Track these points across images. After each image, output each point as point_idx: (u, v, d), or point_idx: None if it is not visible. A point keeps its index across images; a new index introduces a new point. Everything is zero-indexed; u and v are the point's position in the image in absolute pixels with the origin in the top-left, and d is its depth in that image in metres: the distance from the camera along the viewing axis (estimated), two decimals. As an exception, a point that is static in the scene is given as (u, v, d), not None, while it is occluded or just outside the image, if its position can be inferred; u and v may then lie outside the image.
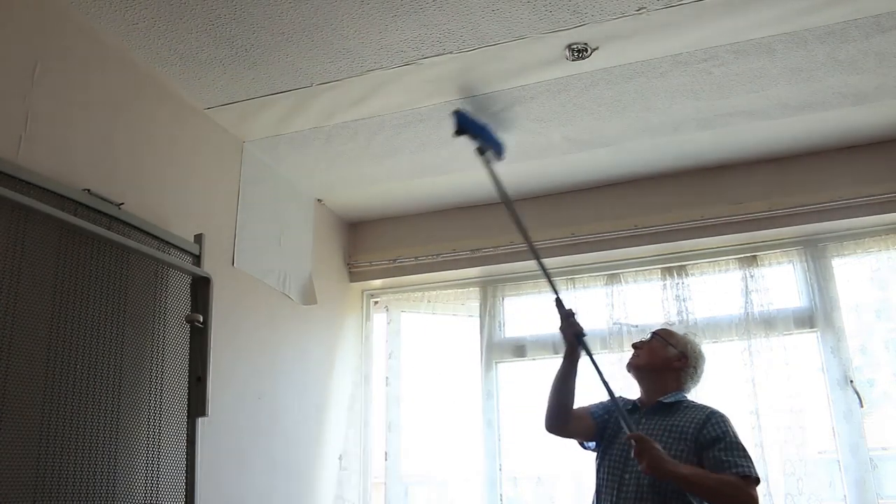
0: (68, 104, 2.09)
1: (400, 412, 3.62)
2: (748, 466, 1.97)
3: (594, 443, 2.28)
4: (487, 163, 2.46)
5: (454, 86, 2.56)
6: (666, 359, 2.22)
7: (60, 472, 1.76)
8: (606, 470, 2.16)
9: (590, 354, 2.16)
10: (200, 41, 2.28)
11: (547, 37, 2.29)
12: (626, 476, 2.09)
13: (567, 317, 2.20)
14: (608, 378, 2.16)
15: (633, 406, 2.24)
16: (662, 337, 2.27)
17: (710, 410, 2.12)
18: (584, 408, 2.28)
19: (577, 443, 2.34)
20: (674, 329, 2.35)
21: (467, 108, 2.56)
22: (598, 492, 2.19)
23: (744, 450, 2.02)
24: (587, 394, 2.30)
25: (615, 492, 2.09)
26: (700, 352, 2.26)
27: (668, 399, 2.18)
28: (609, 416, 2.25)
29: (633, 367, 2.27)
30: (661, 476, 1.94)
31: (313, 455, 3.19)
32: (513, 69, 2.47)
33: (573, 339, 2.17)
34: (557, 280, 3.53)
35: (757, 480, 1.97)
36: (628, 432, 2.02)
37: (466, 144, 2.95)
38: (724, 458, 1.98)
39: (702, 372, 2.26)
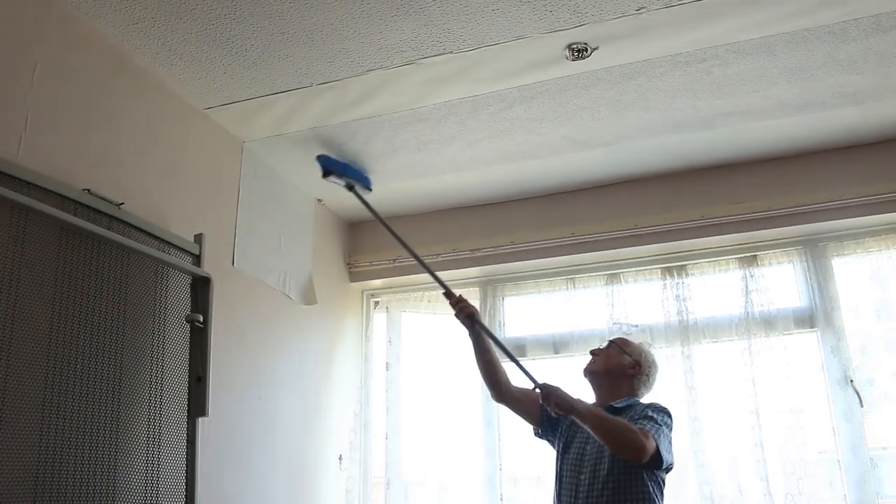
0: (68, 104, 2.09)
1: (400, 412, 3.61)
2: (655, 430, 2.09)
3: (544, 434, 2.44)
4: (359, 196, 2.89)
5: (454, 86, 2.56)
6: (621, 366, 2.36)
7: (60, 471, 1.76)
8: (566, 472, 2.27)
9: (487, 331, 2.50)
10: (200, 41, 2.28)
11: (547, 37, 2.29)
12: (582, 476, 2.19)
13: (457, 303, 2.52)
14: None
15: None
16: (619, 345, 2.42)
17: (652, 403, 2.28)
18: (532, 391, 2.37)
19: (533, 432, 2.51)
20: (630, 339, 2.50)
21: (328, 152, 2.90)
22: (557, 494, 2.28)
23: (659, 426, 2.13)
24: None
25: (573, 491, 2.20)
26: (653, 361, 2.41)
27: (620, 403, 2.30)
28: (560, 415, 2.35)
29: (589, 372, 2.42)
30: (567, 410, 2.10)
31: (313, 455, 3.19)
32: (513, 69, 2.47)
33: (467, 321, 2.48)
34: (557, 280, 3.54)
35: (657, 446, 2.06)
36: (533, 385, 2.24)
37: (466, 144, 2.97)
38: (637, 420, 2.13)
39: (654, 380, 2.41)
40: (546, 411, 2.35)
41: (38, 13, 2.02)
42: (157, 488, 2.04)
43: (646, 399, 2.38)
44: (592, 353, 2.46)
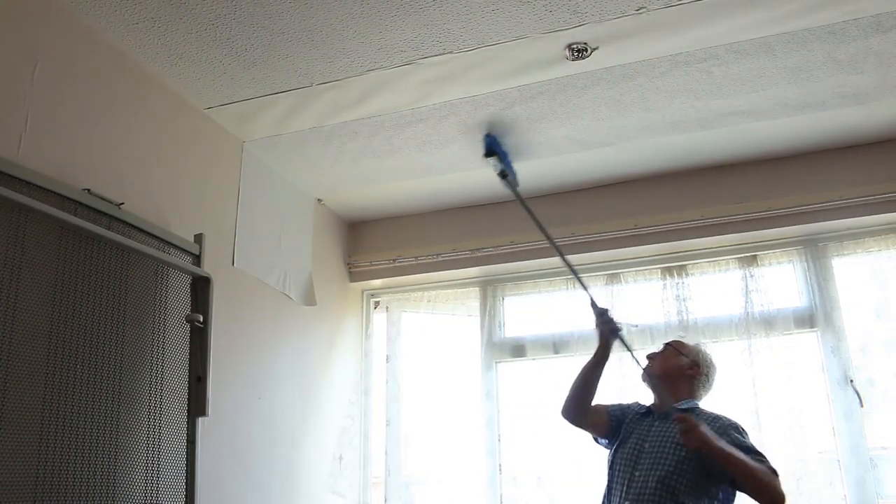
0: (68, 104, 2.09)
1: (400, 412, 3.62)
2: (771, 464, 2.11)
3: (606, 440, 2.40)
4: (512, 186, 2.74)
5: (454, 86, 2.56)
6: (679, 367, 2.36)
7: (60, 471, 1.76)
8: (618, 467, 2.27)
9: (629, 349, 2.35)
10: (200, 41, 2.28)
11: (547, 37, 2.29)
12: (637, 473, 2.19)
13: (602, 314, 2.38)
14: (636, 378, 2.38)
15: (647, 410, 2.38)
16: (675, 347, 2.42)
17: (728, 420, 2.24)
18: (601, 404, 2.42)
19: (592, 437, 2.46)
20: (685, 340, 2.51)
21: (495, 132, 2.77)
22: (609, 487, 2.29)
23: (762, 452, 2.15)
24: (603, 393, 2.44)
25: (625, 487, 2.20)
26: (711, 361, 2.40)
27: (682, 406, 2.29)
28: (624, 417, 2.39)
29: (648, 376, 2.40)
30: (707, 448, 2.03)
31: (313, 455, 3.19)
32: (513, 69, 2.47)
33: (609, 336, 2.35)
34: (557, 280, 3.54)
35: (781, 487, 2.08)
36: (677, 415, 2.13)
37: (465, 145, 2.97)
38: (755, 456, 2.10)
39: (713, 381, 2.40)
40: (618, 422, 2.36)
41: (38, 13, 2.02)
42: (157, 488, 2.04)
43: (705, 400, 2.38)
44: (649, 357, 2.45)
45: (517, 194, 2.74)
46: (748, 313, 3.18)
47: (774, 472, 2.07)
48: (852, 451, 2.91)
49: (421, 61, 2.41)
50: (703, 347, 2.45)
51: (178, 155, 2.56)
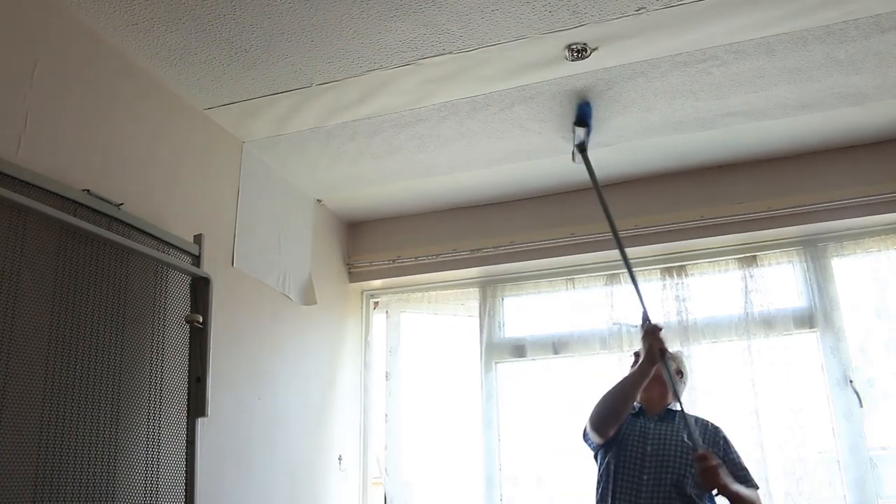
0: (68, 104, 2.09)
1: (399, 412, 3.61)
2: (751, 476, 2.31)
3: (608, 443, 2.41)
4: (587, 160, 2.60)
5: (454, 86, 2.56)
6: (673, 370, 2.43)
7: (60, 472, 1.76)
8: (622, 471, 2.30)
9: (668, 370, 2.33)
10: (200, 41, 2.28)
11: (546, 37, 2.29)
12: (645, 477, 2.25)
13: (654, 331, 2.34)
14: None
15: (637, 411, 2.43)
16: (673, 354, 2.48)
17: (714, 426, 2.38)
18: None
19: (582, 435, 2.48)
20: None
21: (591, 103, 2.61)
22: (612, 492, 2.30)
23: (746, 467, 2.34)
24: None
25: (634, 492, 2.24)
26: (688, 369, 2.57)
27: (673, 407, 2.41)
28: (624, 420, 2.42)
29: (656, 377, 2.40)
30: (721, 490, 2.14)
31: (313, 455, 3.19)
32: (512, 69, 2.47)
33: (658, 354, 2.30)
34: (557, 280, 3.54)
35: None
36: (698, 450, 2.20)
37: (466, 144, 2.97)
38: (743, 475, 2.27)
39: (686, 388, 2.55)
40: (618, 433, 2.38)
41: (38, 13, 2.02)
42: (157, 488, 2.04)
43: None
44: (637, 355, 2.48)
45: (592, 173, 2.58)
46: (748, 313, 3.18)
47: (756, 486, 2.28)
48: (852, 451, 2.91)
49: (421, 61, 2.41)
50: (681, 355, 2.56)
51: (178, 155, 2.55)
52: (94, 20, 2.16)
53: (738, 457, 2.32)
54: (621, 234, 2.99)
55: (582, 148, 2.61)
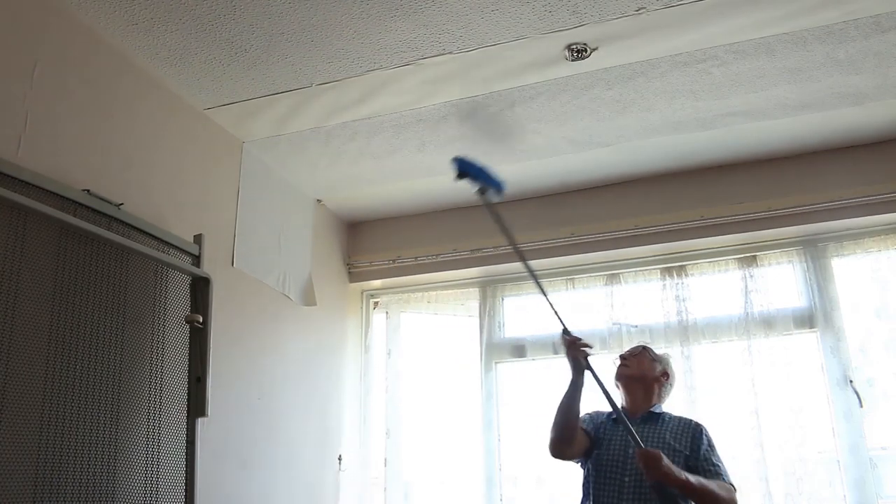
0: (68, 104, 2.09)
1: (399, 412, 3.61)
2: (729, 476, 2.24)
3: (587, 457, 2.39)
4: (488, 202, 2.58)
5: (454, 86, 2.56)
6: (654, 373, 2.42)
7: (60, 472, 1.76)
8: (604, 473, 2.28)
9: (596, 377, 2.28)
10: (200, 41, 2.28)
11: (546, 37, 2.29)
12: (626, 479, 2.22)
13: (574, 343, 2.30)
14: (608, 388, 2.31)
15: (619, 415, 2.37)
16: (651, 352, 2.47)
17: (696, 423, 2.34)
18: (579, 428, 2.38)
19: (577, 462, 2.43)
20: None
21: (464, 154, 2.62)
22: (594, 495, 2.29)
23: (722, 461, 2.28)
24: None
25: (617, 495, 2.22)
26: (674, 371, 2.49)
27: (657, 410, 2.38)
28: (597, 427, 2.40)
29: (624, 377, 2.43)
30: (668, 482, 2.08)
31: (313, 455, 3.19)
32: (512, 69, 2.47)
33: (583, 361, 2.28)
34: (556, 280, 3.54)
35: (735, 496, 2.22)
36: (638, 448, 2.15)
37: (466, 145, 2.97)
38: (713, 469, 2.21)
39: (672, 390, 2.49)
40: (596, 435, 2.36)
41: (38, 13, 2.02)
42: (157, 489, 2.04)
43: (665, 407, 2.44)
44: (622, 357, 2.48)
45: (493, 212, 2.57)
46: (748, 313, 3.18)
47: (732, 486, 2.19)
48: (852, 451, 2.91)
49: (421, 61, 2.41)
50: (668, 357, 2.52)
51: (178, 155, 2.55)
52: (94, 20, 2.16)
53: (710, 453, 2.25)
54: (621, 234, 3.00)
55: (482, 192, 2.59)
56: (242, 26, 2.21)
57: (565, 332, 2.36)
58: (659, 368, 2.44)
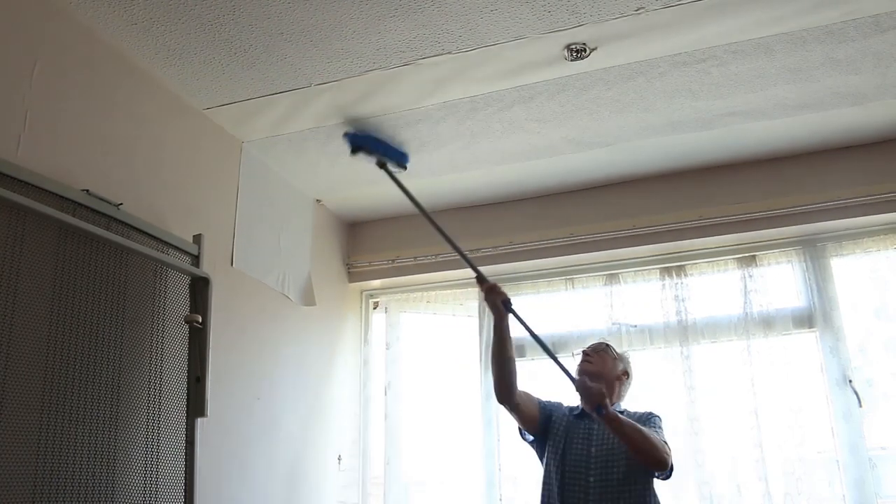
0: (67, 104, 2.09)
1: (399, 412, 3.61)
2: (667, 443, 2.27)
3: (532, 437, 2.45)
4: (391, 174, 2.63)
5: (454, 86, 2.56)
6: (615, 370, 2.48)
7: (59, 472, 1.76)
8: (569, 474, 2.31)
9: (520, 319, 2.38)
10: (199, 41, 2.28)
11: (545, 37, 2.29)
12: (591, 479, 2.26)
13: (493, 288, 2.42)
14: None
15: (581, 412, 2.40)
16: (614, 351, 2.52)
17: (649, 412, 2.39)
18: (534, 396, 2.50)
19: (519, 431, 2.50)
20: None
21: (354, 128, 2.67)
22: (560, 495, 2.30)
23: (666, 439, 2.30)
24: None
25: (583, 494, 2.25)
26: (633, 371, 2.54)
27: (617, 408, 2.38)
28: (552, 415, 2.44)
29: (587, 372, 2.43)
30: (604, 411, 2.16)
31: (312, 455, 3.19)
32: (511, 69, 2.47)
33: (502, 306, 2.38)
34: (556, 280, 3.54)
35: (670, 459, 2.22)
36: (572, 378, 2.29)
37: (465, 145, 2.97)
38: (653, 430, 2.26)
39: (630, 389, 2.54)
40: (547, 416, 2.41)
41: (38, 13, 2.02)
42: (156, 489, 2.04)
43: (624, 406, 2.47)
44: (585, 353, 2.51)
45: (398, 182, 2.61)
46: (747, 313, 3.18)
47: (667, 445, 2.22)
48: (851, 451, 2.91)
49: (420, 61, 2.41)
50: (627, 356, 2.57)
51: (177, 155, 2.55)
52: (94, 20, 2.16)
53: (654, 426, 2.29)
54: (620, 234, 3.00)
55: (381, 165, 2.64)
56: (242, 26, 2.21)
57: (480, 278, 2.46)
58: (620, 367, 2.48)
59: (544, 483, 2.37)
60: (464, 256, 2.56)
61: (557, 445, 2.37)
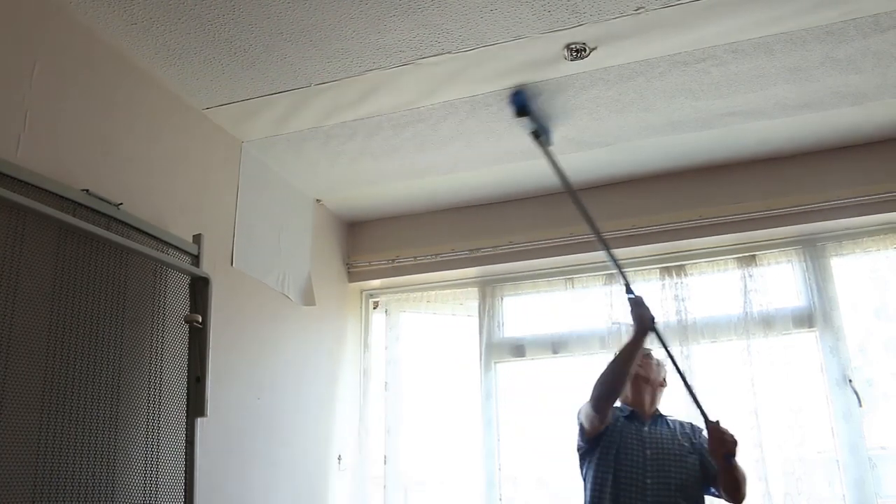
0: (67, 104, 2.09)
1: (399, 412, 3.61)
2: None
3: (587, 445, 2.44)
4: (543, 146, 2.51)
5: (454, 86, 2.56)
6: (660, 377, 2.54)
7: (59, 472, 1.76)
8: (625, 476, 2.32)
9: (661, 338, 2.37)
10: (199, 41, 2.28)
11: (545, 37, 2.29)
12: (649, 481, 2.28)
13: (640, 303, 2.40)
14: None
15: (631, 413, 2.45)
16: (655, 358, 2.56)
17: (691, 423, 2.48)
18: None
19: (581, 438, 2.47)
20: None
21: (526, 91, 2.52)
22: (613, 495, 2.30)
23: None
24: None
25: (640, 496, 2.27)
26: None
27: (664, 413, 2.49)
28: (610, 421, 2.44)
29: (641, 377, 2.46)
30: (733, 454, 2.20)
31: (312, 455, 3.19)
32: (511, 69, 2.47)
33: (649, 324, 2.35)
34: (556, 280, 3.54)
35: None
36: (708, 420, 2.29)
37: (465, 144, 2.97)
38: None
39: None
40: (609, 426, 2.39)
41: (38, 13, 2.02)
42: (156, 489, 2.04)
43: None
44: (647, 357, 2.53)
45: (551, 158, 2.50)
46: (747, 313, 3.18)
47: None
48: (851, 450, 2.91)
49: (420, 61, 2.41)
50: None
51: (177, 155, 2.55)
52: (93, 20, 2.16)
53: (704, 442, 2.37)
54: (620, 233, 2.99)
55: (537, 135, 2.51)
56: (242, 26, 2.21)
57: (629, 290, 2.44)
58: (662, 373, 2.53)
59: (595, 483, 2.35)
60: (614, 261, 2.54)
61: (611, 447, 2.37)
